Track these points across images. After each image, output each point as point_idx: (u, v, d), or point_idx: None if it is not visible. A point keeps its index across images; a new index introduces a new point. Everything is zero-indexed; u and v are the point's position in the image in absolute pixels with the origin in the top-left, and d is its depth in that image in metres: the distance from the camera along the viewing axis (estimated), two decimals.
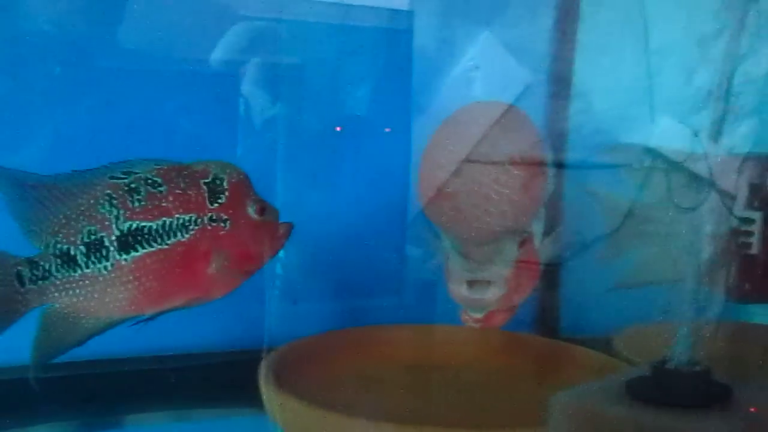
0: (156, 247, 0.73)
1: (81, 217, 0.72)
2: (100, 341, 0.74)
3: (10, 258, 0.71)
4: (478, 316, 0.96)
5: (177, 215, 0.73)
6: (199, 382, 1.10)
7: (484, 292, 0.95)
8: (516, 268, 0.96)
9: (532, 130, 1.03)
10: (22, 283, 0.71)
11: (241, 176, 0.77)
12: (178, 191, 0.73)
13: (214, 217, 0.75)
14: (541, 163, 0.98)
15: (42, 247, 0.72)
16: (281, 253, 1.14)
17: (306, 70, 1.17)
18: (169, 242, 0.73)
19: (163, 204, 0.73)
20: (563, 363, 0.99)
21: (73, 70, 1.03)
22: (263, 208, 0.77)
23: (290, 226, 0.80)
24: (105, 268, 0.72)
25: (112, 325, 0.73)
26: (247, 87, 1.10)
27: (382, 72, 1.23)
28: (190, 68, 1.09)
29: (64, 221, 0.72)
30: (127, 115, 1.06)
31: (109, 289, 0.72)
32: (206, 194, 0.75)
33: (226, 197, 0.75)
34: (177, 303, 0.75)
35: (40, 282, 0.71)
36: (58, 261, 0.72)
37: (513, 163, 0.93)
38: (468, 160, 0.94)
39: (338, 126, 1.20)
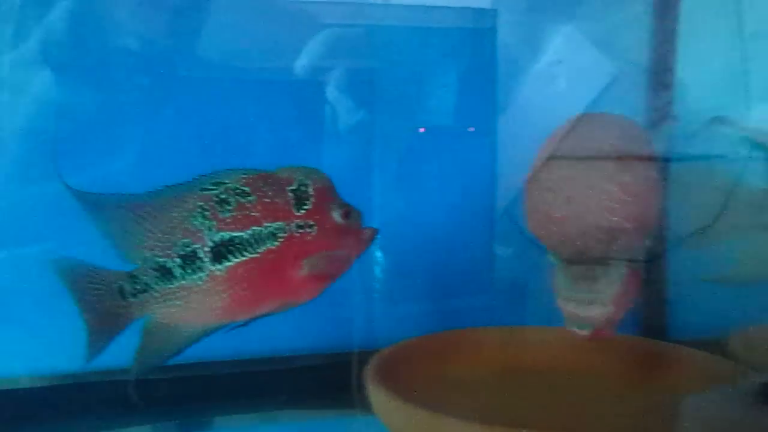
0: (247, 256, 0.74)
1: (175, 231, 0.74)
2: (195, 346, 0.76)
3: (113, 274, 0.74)
4: (584, 333, 0.93)
5: (266, 224, 0.74)
6: (288, 384, 1.12)
7: (590, 310, 0.92)
8: (622, 285, 0.92)
9: (645, 142, 0.98)
10: (124, 297, 0.74)
11: (325, 181, 0.77)
12: (266, 200, 0.74)
13: (300, 224, 0.76)
14: (654, 183, 0.93)
15: (140, 262, 0.75)
16: (379, 256, 1.15)
17: (389, 74, 1.18)
18: (259, 251, 0.74)
19: (252, 214, 0.74)
20: (669, 366, 0.96)
21: (160, 81, 1.07)
22: (347, 212, 0.77)
23: (375, 231, 0.80)
24: (200, 278, 0.74)
25: (208, 332, 0.75)
26: (331, 93, 1.12)
27: (465, 71, 1.22)
28: (275, 77, 1.11)
29: (159, 235, 0.74)
30: (212, 123, 1.09)
31: (204, 299, 0.74)
32: (292, 201, 0.76)
33: (312, 203, 0.76)
34: (268, 308, 0.76)
35: (140, 295, 0.74)
36: (156, 274, 0.74)
37: (625, 188, 0.89)
38: (576, 184, 0.91)
39: (421, 127, 1.19)
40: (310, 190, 0.76)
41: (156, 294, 0.74)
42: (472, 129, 1.23)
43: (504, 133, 1.21)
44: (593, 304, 0.91)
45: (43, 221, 0.96)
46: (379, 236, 1.15)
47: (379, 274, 1.17)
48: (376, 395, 0.88)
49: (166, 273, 0.74)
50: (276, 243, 0.74)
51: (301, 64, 1.10)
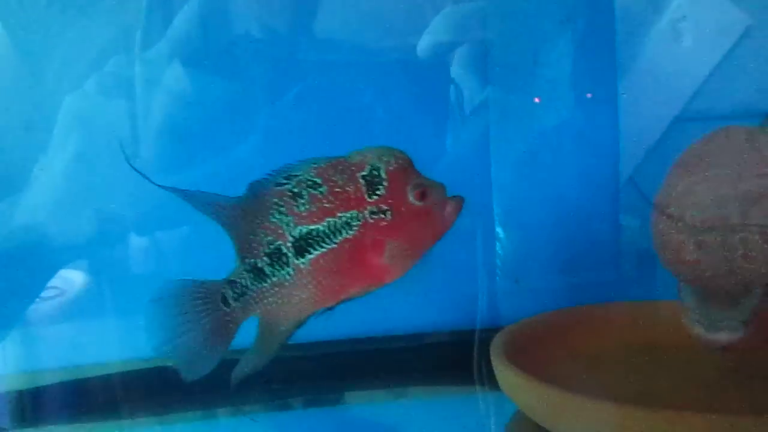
0: (326, 247, 0.74)
1: (259, 230, 0.75)
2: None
3: (215, 283, 0.77)
4: (715, 352, 0.87)
5: (339, 214, 0.74)
6: (416, 361, 1.15)
7: (720, 336, 0.86)
8: (757, 309, 0.85)
9: None
10: (227, 305, 0.76)
11: (400, 161, 0.75)
12: (337, 190, 0.74)
13: (374, 210, 0.74)
14: None
15: (237, 265, 0.77)
16: (501, 233, 1.14)
17: (505, 46, 1.15)
18: (336, 241, 0.74)
19: (325, 205, 0.74)
20: None
21: (282, 66, 1.11)
22: (423, 193, 0.75)
23: (460, 201, 0.76)
24: (288, 273, 0.75)
25: (301, 323, 0.77)
26: (448, 70, 1.12)
27: (583, 35, 1.16)
28: (394, 56, 1.12)
29: (246, 237, 0.76)
30: (334, 105, 1.13)
31: (294, 292, 0.75)
32: (364, 188, 0.74)
33: (385, 187, 0.74)
34: (353, 293, 0.76)
35: (240, 299, 0.76)
36: (251, 275, 0.76)
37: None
38: (710, 224, 0.84)
39: (536, 97, 1.16)
40: (383, 174, 0.74)
41: (253, 294, 0.76)
42: (589, 95, 1.18)
43: (626, 98, 1.15)
44: (723, 331, 0.85)
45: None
46: (498, 211, 1.14)
47: (501, 250, 1.17)
48: (504, 373, 0.88)
49: (259, 273, 0.76)
50: (352, 232, 0.74)
51: (421, 42, 1.11)
